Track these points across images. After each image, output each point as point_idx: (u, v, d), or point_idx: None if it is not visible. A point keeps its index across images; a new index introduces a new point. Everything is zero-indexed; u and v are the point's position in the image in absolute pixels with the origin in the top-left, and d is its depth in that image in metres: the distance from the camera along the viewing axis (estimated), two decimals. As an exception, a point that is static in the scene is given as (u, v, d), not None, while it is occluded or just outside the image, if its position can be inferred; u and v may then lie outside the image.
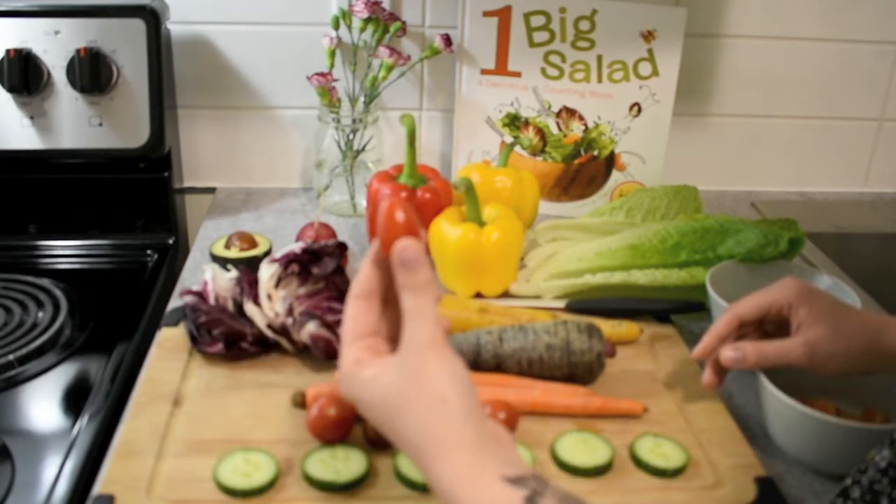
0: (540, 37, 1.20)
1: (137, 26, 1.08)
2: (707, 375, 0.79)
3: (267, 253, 1.05)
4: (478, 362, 0.84)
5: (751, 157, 1.38)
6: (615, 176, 1.25)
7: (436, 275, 1.02)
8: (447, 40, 1.20)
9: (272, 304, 0.87)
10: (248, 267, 0.92)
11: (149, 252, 1.14)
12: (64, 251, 1.14)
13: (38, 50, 1.07)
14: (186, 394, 0.81)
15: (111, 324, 0.96)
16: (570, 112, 1.23)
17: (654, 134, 1.22)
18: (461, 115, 1.25)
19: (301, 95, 1.25)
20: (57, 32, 1.07)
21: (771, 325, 0.79)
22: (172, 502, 0.68)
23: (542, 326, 0.84)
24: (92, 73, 1.06)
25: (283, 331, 0.86)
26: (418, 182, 1.06)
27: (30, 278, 1.04)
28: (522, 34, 1.20)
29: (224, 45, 1.23)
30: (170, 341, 0.89)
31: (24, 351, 0.89)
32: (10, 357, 0.88)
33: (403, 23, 1.20)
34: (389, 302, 0.60)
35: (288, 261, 0.88)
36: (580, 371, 0.84)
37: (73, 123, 1.10)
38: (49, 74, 1.08)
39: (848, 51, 1.32)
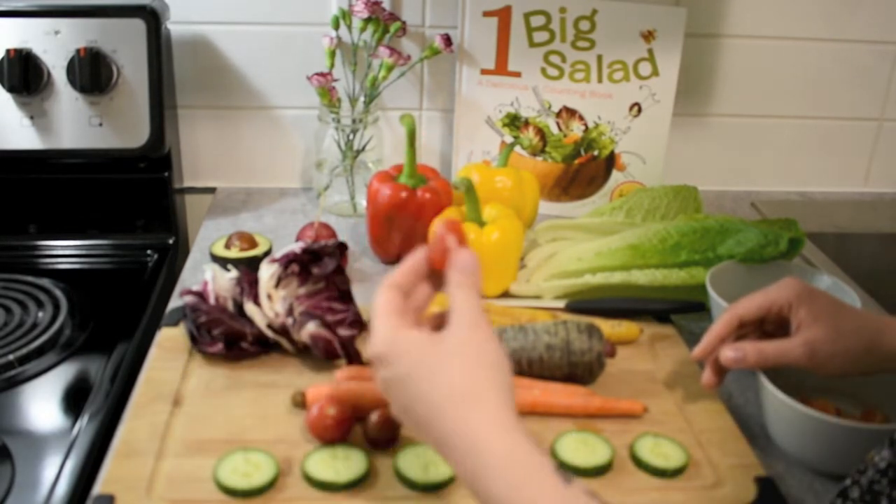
0: (540, 37, 1.20)
1: (137, 26, 1.08)
2: (707, 375, 0.79)
3: (267, 253, 1.05)
4: (478, 362, 0.84)
5: (751, 157, 1.38)
6: (615, 176, 1.25)
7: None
8: (447, 40, 1.20)
9: (272, 304, 0.87)
10: (248, 267, 0.92)
11: (149, 252, 1.14)
12: (64, 251, 1.14)
13: (38, 50, 1.07)
14: (186, 394, 0.81)
15: (111, 324, 0.96)
16: (570, 112, 1.23)
17: (654, 134, 1.22)
18: (461, 115, 1.25)
19: (301, 95, 1.25)
20: (57, 32, 1.07)
21: (771, 326, 0.79)
22: (172, 502, 0.68)
23: (542, 326, 0.84)
24: (92, 73, 1.06)
25: (283, 331, 0.86)
26: (418, 182, 1.06)
27: (30, 278, 1.04)
28: (522, 34, 1.20)
29: (224, 45, 1.23)
30: (170, 341, 0.89)
31: (24, 351, 0.89)
32: (10, 357, 0.88)
33: (403, 23, 1.20)
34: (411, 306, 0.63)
35: (288, 261, 0.88)
36: (580, 371, 0.84)
37: (73, 123, 1.10)
38: (49, 74, 1.08)
39: (848, 51, 1.32)
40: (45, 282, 1.03)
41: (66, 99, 1.09)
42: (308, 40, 1.22)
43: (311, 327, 0.84)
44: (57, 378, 0.88)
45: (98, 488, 0.69)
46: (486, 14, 1.20)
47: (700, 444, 0.77)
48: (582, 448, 0.74)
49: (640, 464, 0.74)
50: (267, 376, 0.85)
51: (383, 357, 0.59)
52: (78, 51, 1.06)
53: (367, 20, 1.18)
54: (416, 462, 0.71)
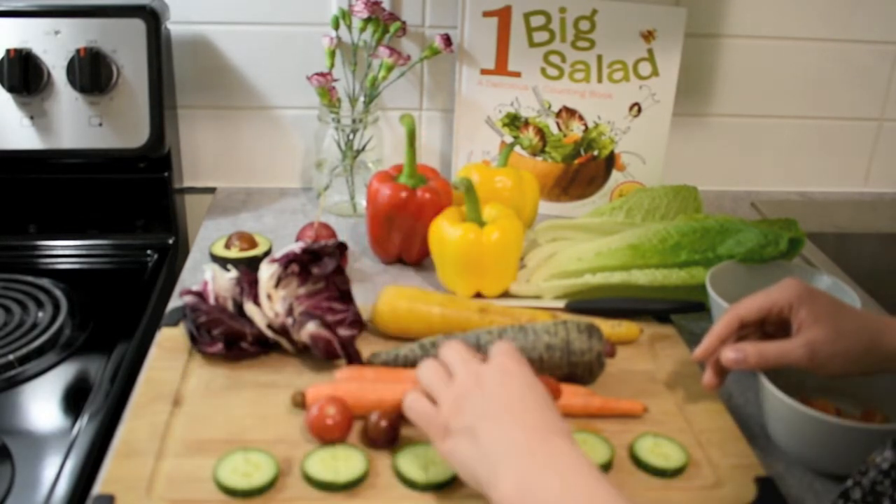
0: (540, 37, 1.20)
1: (137, 26, 1.08)
2: (708, 376, 0.79)
3: (267, 253, 1.05)
4: (478, 362, 0.84)
5: (751, 157, 1.38)
6: (615, 176, 1.25)
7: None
8: (447, 40, 1.20)
9: (272, 304, 0.87)
10: (248, 267, 0.92)
11: (149, 252, 1.14)
12: (64, 251, 1.14)
13: (38, 50, 1.07)
14: (186, 394, 0.81)
15: (111, 324, 0.96)
16: (570, 112, 1.23)
17: (654, 134, 1.22)
18: (461, 115, 1.25)
19: (301, 95, 1.25)
20: (57, 32, 1.07)
21: (772, 326, 0.79)
22: (172, 502, 0.68)
23: (542, 326, 0.84)
24: (92, 73, 1.06)
25: (283, 331, 0.86)
26: (418, 182, 1.06)
27: (30, 278, 1.04)
28: (522, 34, 1.20)
29: (224, 45, 1.23)
30: (170, 341, 0.89)
31: (24, 351, 0.89)
32: (10, 357, 0.88)
33: (403, 23, 1.20)
34: None
35: (288, 261, 0.88)
36: (580, 371, 0.84)
37: (73, 123, 1.10)
38: (49, 74, 1.08)
39: (848, 51, 1.32)
40: (45, 282, 1.03)
41: (66, 99, 1.09)
42: (308, 40, 1.22)
43: (311, 327, 0.84)
44: (57, 378, 0.88)
45: (98, 488, 0.69)
46: (486, 14, 1.20)
47: (700, 444, 0.77)
48: (582, 448, 0.74)
49: (639, 464, 0.74)
50: (267, 376, 0.85)
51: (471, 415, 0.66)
52: (78, 51, 1.06)
53: (367, 20, 1.18)
54: (416, 462, 0.71)
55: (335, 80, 1.18)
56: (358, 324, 0.89)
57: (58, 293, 1.01)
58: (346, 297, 0.90)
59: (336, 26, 1.20)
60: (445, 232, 0.98)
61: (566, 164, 1.25)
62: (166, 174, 1.16)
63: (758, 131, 1.36)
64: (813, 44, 1.31)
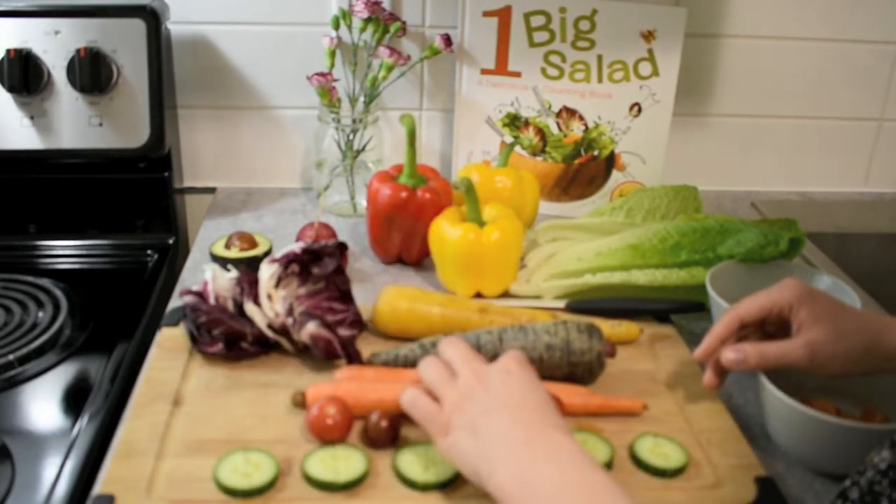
0: (540, 37, 1.20)
1: (137, 26, 1.08)
2: (708, 377, 0.79)
3: (267, 253, 1.05)
4: (478, 362, 0.84)
5: (751, 157, 1.38)
6: (615, 176, 1.25)
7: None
8: (447, 40, 1.20)
9: (272, 304, 0.87)
10: (248, 267, 0.92)
11: (149, 252, 1.14)
12: (64, 251, 1.14)
13: (38, 50, 1.07)
14: (186, 394, 0.81)
15: (111, 324, 0.96)
16: (570, 112, 1.23)
17: (654, 134, 1.22)
18: (461, 115, 1.25)
19: (301, 95, 1.25)
20: (57, 32, 1.07)
21: (772, 327, 0.79)
22: (172, 502, 0.68)
23: (542, 326, 0.84)
24: (92, 73, 1.06)
25: (283, 331, 0.86)
26: (418, 182, 1.06)
27: (30, 278, 1.04)
28: (522, 34, 1.20)
29: (224, 45, 1.23)
30: (170, 341, 0.89)
31: (24, 351, 0.89)
32: (10, 357, 0.88)
33: (403, 23, 1.20)
34: None
35: (288, 261, 0.88)
36: (580, 371, 0.84)
37: (73, 123, 1.10)
38: (49, 74, 1.08)
39: (848, 51, 1.32)
40: (45, 282, 1.03)
41: (66, 99, 1.09)
42: (308, 40, 1.22)
43: (311, 327, 0.84)
44: (57, 378, 0.88)
45: (98, 488, 0.69)
46: (486, 14, 1.20)
47: (700, 444, 0.77)
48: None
49: (639, 464, 0.74)
50: (267, 376, 0.85)
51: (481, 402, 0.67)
52: (78, 51, 1.06)
53: (367, 20, 1.18)
54: (416, 462, 0.71)
55: (335, 80, 1.18)
56: (358, 324, 0.89)
57: (58, 293, 1.01)
58: (346, 297, 0.90)
59: (336, 26, 1.20)
60: (445, 232, 0.98)
61: (566, 164, 1.25)
62: (166, 174, 1.16)
63: (758, 131, 1.36)
64: (813, 44, 1.31)
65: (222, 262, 1.02)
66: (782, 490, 0.73)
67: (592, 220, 1.10)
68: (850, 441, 0.72)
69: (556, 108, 1.23)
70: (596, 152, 1.24)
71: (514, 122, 1.24)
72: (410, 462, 0.71)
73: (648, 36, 1.18)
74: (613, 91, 1.21)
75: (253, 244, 1.06)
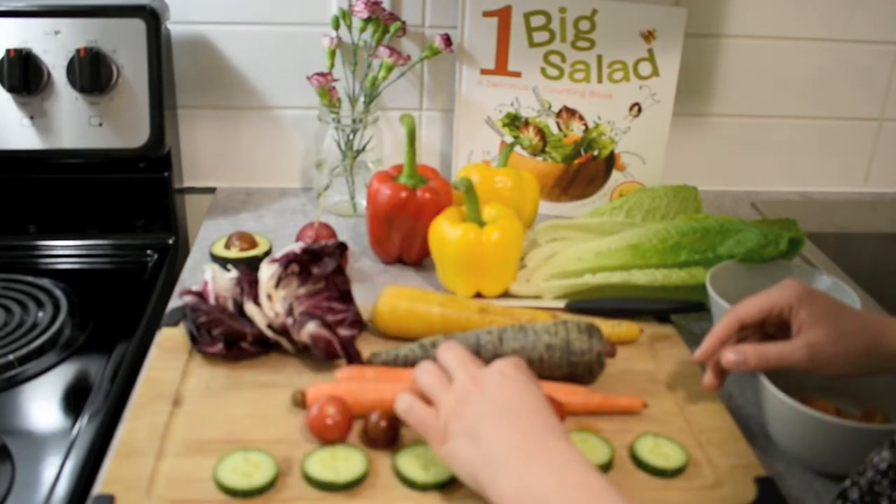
0: (540, 37, 1.20)
1: (137, 26, 1.08)
2: (708, 378, 0.79)
3: (267, 253, 1.05)
4: (478, 362, 0.84)
5: (751, 157, 1.38)
6: (615, 176, 1.25)
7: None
8: (447, 40, 1.20)
9: (272, 304, 0.87)
10: (248, 267, 0.92)
11: (149, 252, 1.14)
12: (64, 251, 1.14)
13: (38, 50, 1.07)
14: (186, 394, 0.81)
15: (111, 324, 0.96)
16: (570, 112, 1.23)
17: (654, 134, 1.22)
18: (461, 115, 1.25)
19: (301, 95, 1.25)
20: (57, 32, 1.07)
21: (772, 328, 0.79)
22: (172, 502, 0.68)
23: (542, 326, 0.84)
24: (92, 73, 1.06)
25: (283, 331, 0.86)
26: (418, 182, 1.06)
27: (30, 278, 1.04)
28: (522, 34, 1.20)
29: (224, 45, 1.23)
30: (170, 341, 0.89)
31: (24, 351, 0.89)
32: (10, 357, 0.88)
33: (403, 23, 1.20)
34: None
35: (288, 261, 0.88)
36: (580, 371, 0.84)
37: (73, 123, 1.10)
38: (49, 74, 1.08)
39: (848, 51, 1.32)
40: (45, 282, 1.03)
41: (66, 99, 1.09)
42: (308, 40, 1.22)
43: (311, 327, 0.84)
44: (57, 378, 0.88)
45: (98, 488, 0.69)
46: (486, 14, 1.20)
47: (700, 444, 0.77)
48: (582, 448, 0.74)
49: (640, 464, 0.74)
50: (267, 376, 0.85)
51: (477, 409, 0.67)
52: (78, 51, 1.06)
53: (367, 20, 1.18)
54: (416, 462, 0.71)
55: (335, 80, 1.18)
56: (358, 324, 0.89)
57: (58, 293, 1.01)
58: (346, 297, 0.90)
59: (336, 26, 1.20)
60: (445, 232, 0.98)
61: (566, 164, 1.25)
62: (166, 174, 1.16)
63: (758, 131, 1.36)
64: (813, 44, 1.31)
65: (222, 262, 1.02)
66: (782, 490, 0.73)
67: (592, 220, 1.10)
68: (850, 441, 0.72)
69: (556, 108, 1.23)
70: (596, 152, 1.24)
71: (514, 122, 1.24)
72: (410, 462, 0.71)
73: (648, 36, 1.18)
74: (613, 91, 1.21)
75: (253, 244, 1.06)
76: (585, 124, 1.23)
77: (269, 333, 0.86)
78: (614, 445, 0.75)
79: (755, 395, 0.86)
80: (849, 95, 1.35)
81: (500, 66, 1.22)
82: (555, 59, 1.21)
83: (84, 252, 1.14)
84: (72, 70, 1.07)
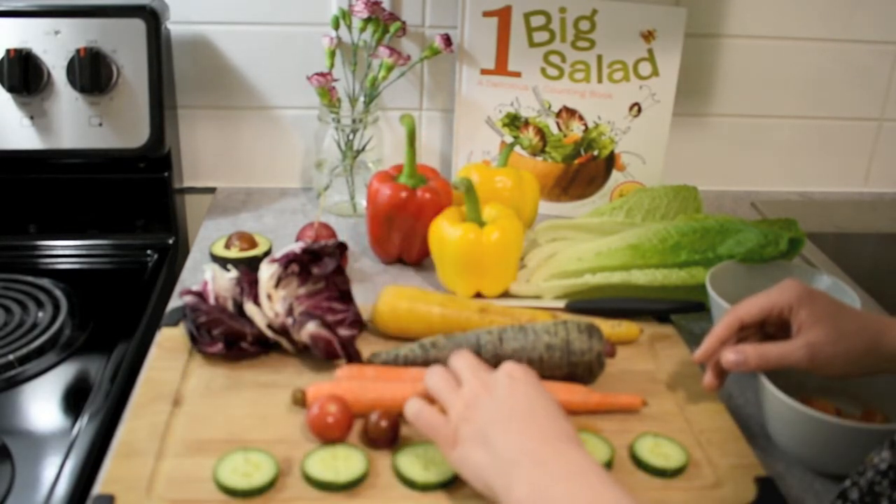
0: (540, 37, 1.20)
1: (137, 26, 1.08)
2: (708, 378, 0.79)
3: (267, 253, 1.05)
4: (478, 362, 0.84)
5: (751, 157, 1.38)
6: (615, 176, 1.25)
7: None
8: (447, 40, 1.20)
9: (272, 304, 0.87)
10: (248, 267, 0.92)
11: (149, 252, 1.14)
12: (64, 251, 1.14)
13: (38, 50, 1.07)
14: (186, 394, 0.81)
15: (111, 324, 0.96)
16: (570, 112, 1.23)
17: (654, 134, 1.22)
18: (461, 115, 1.25)
19: (301, 95, 1.25)
20: (57, 32, 1.07)
21: (772, 328, 0.79)
22: (172, 502, 0.68)
23: (542, 326, 0.84)
24: (92, 73, 1.06)
25: (283, 331, 0.86)
26: (418, 182, 1.06)
27: (30, 278, 1.04)
28: (522, 34, 1.20)
29: (224, 45, 1.23)
30: (170, 341, 0.89)
31: (24, 351, 0.89)
32: (10, 357, 0.88)
33: (403, 23, 1.20)
34: None
35: (288, 261, 0.89)
36: (580, 371, 0.84)
37: (73, 123, 1.10)
38: (49, 74, 1.08)
39: (848, 51, 1.32)
40: (45, 282, 1.03)
41: (66, 99, 1.09)
42: (308, 40, 1.22)
43: (311, 327, 0.84)
44: (57, 378, 0.88)
45: (98, 488, 0.69)
46: (486, 14, 1.20)
47: (700, 444, 0.77)
48: (582, 448, 0.74)
49: (640, 464, 0.74)
50: (267, 376, 0.85)
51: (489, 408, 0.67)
52: (78, 51, 1.06)
53: (367, 20, 1.18)
54: (416, 462, 0.71)
55: (335, 80, 1.18)
56: (358, 324, 0.89)
57: (58, 293, 1.01)
58: (346, 297, 0.90)
59: (336, 26, 1.20)
60: (445, 232, 0.98)
61: (566, 164, 1.25)
62: (166, 174, 1.16)
63: (758, 131, 1.36)
64: (813, 44, 1.31)
65: (222, 262, 1.02)
66: (782, 490, 0.73)
67: (592, 220, 1.10)
68: (850, 441, 0.72)
69: (555, 108, 1.23)
70: (596, 152, 1.24)
71: (514, 122, 1.24)
72: (410, 462, 0.71)
73: (648, 36, 1.18)
74: (613, 91, 1.21)
75: (253, 244, 1.06)
76: (585, 124, 1.23)
77: (269, 333, 0.86)
78: (614, 445, 0.75)
79: (755, 395, 0.86)
80: (849, 95, 1.35)
81: (500, 66, 1.22)
82: (555, 59, 1.21)
83: (84, 252, 1.14)
84: (72, 70, 1.07)
